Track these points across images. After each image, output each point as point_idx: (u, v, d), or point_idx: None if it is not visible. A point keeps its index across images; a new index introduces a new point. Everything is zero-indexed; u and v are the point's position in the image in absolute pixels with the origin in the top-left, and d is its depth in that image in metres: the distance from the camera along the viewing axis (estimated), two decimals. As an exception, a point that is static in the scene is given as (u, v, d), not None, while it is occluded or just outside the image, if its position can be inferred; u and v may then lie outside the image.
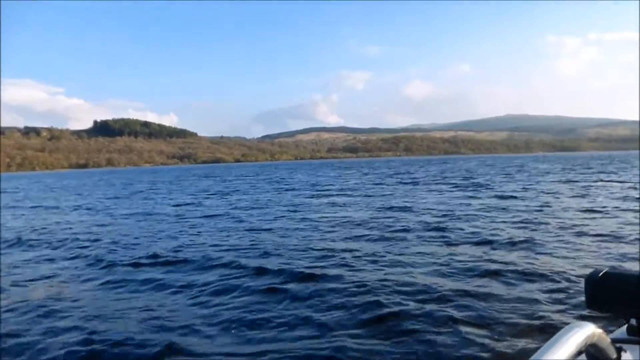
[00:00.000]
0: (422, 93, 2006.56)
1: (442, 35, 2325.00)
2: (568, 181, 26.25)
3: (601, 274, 1.09)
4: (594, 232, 9.75)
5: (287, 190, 28.37)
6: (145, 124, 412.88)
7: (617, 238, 9.07)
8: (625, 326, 1.11)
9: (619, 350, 0.82)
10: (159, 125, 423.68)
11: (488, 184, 25.74)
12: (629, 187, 20.97)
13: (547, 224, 11.07)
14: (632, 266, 7.18)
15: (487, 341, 4.47)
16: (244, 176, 57.08)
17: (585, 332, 0.69)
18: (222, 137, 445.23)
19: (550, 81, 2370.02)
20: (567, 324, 0.71)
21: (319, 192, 24.94)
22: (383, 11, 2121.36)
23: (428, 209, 15.16)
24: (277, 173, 65.31)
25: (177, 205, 20.45)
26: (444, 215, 13.22)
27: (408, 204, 16.76)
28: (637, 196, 16.81)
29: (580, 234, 9.66)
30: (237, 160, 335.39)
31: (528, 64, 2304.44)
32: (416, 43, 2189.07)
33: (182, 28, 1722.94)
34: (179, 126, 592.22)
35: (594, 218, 11.84)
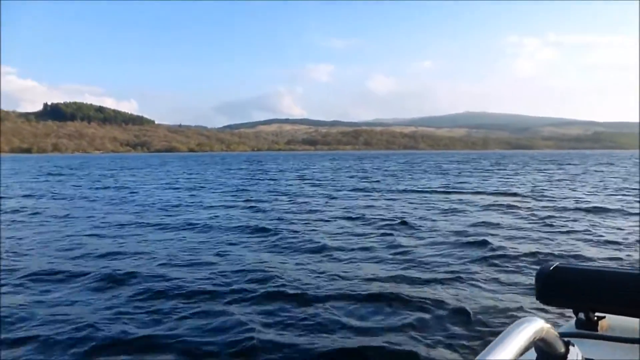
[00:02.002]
0: (385, 88, 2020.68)
1: (405, 30, 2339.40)
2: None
3: (552, 267, 1.10)
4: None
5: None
6: (100, 109, 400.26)
7: None
8: (574, 320, 1.12)
9: (567, 344, 0.84)
10: (115, 111, 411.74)
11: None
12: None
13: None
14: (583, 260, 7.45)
15: (430, 339, 4.56)
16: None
17: (534, 327, 0.70)
18: (180, 126, 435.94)
19: (509, 80, 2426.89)
20: (517, 318, 0.72)
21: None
22: (347, 4, 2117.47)
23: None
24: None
25: None
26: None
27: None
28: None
29: None
30: (192, 150, 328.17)
31: (489, 63, 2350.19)
32: (380, 37, 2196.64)
33: (149, 15, 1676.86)
34: (140, 113, 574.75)
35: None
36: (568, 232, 10.09)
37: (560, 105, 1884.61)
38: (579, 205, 14.62)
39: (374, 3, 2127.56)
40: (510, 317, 4.96)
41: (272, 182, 28.89)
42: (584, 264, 1.23)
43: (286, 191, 21.85)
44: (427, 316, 5.09)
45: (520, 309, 5.21)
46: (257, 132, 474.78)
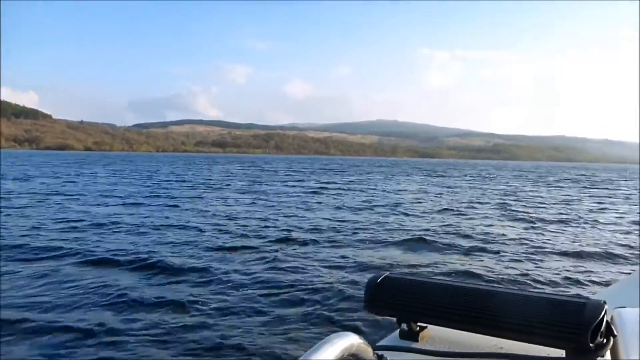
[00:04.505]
0: (303, 92, 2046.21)
1: (326, 36, 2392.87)
2: None
3: (381, 278, 1.11)
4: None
5: None
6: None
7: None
8: (398, 331, 1.12)
9: (380, 358, 0.85)
10: (4, 102, 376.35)
11: None
12: None
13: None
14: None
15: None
16: None
17: (344, 342, 0.70)
18: (82, 122, 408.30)
19: (420, 91, 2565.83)
20: (333, 333, 0.71)
21: None
22: (267, 7, 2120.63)
23: None
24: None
25: None
26: None
27: None
28: None
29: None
30: (88, 149, 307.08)
31: (402, 73, 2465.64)
32: (300, 41, 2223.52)
33: (63, 4, 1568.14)
34: (40, 107, 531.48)
35: None
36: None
37: (465, 117, 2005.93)
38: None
39: (294, 5, 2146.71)
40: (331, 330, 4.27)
41: None
42: (413, 274, 1.19)
43: None
44: (242, 322, 5.03)
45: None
46: (168, 132, 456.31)
